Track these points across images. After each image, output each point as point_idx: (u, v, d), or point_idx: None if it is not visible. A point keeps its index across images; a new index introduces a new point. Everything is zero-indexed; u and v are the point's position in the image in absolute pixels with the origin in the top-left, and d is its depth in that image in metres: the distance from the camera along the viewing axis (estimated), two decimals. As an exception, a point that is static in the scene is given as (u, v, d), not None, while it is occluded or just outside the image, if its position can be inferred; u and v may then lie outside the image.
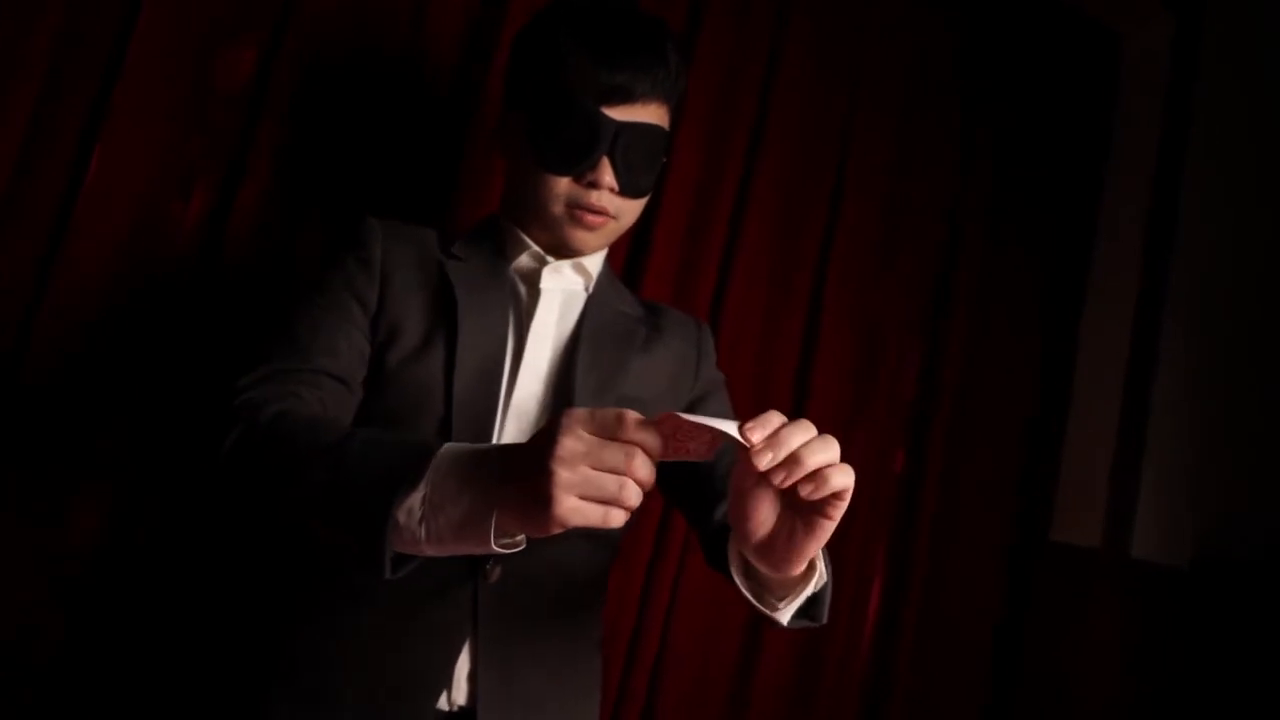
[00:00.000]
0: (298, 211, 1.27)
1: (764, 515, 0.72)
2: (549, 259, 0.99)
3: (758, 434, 0.65)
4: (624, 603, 1.49)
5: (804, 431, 0.66)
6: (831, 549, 0.82)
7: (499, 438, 0.91)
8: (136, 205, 1.18)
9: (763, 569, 0.76)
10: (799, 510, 0.70)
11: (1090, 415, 1.98)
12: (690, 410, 1.06)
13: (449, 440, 0.87)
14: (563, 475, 0.62)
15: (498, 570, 0.88)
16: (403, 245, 0.97)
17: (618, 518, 0.64)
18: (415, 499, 0.66)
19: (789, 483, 0.66)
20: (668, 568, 1.53)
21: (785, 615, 0.82)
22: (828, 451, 0.66)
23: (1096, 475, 1.92)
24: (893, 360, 1.82)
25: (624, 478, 0.63)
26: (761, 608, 0.82)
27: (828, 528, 0.70)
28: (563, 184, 0.93)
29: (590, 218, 0.94)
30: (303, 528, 0.75)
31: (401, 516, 0.66)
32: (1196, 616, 1.89)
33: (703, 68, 1.59)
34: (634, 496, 0.64)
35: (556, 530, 0.63)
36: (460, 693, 0.88)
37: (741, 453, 0.66)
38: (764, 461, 0.64)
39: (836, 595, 1.68)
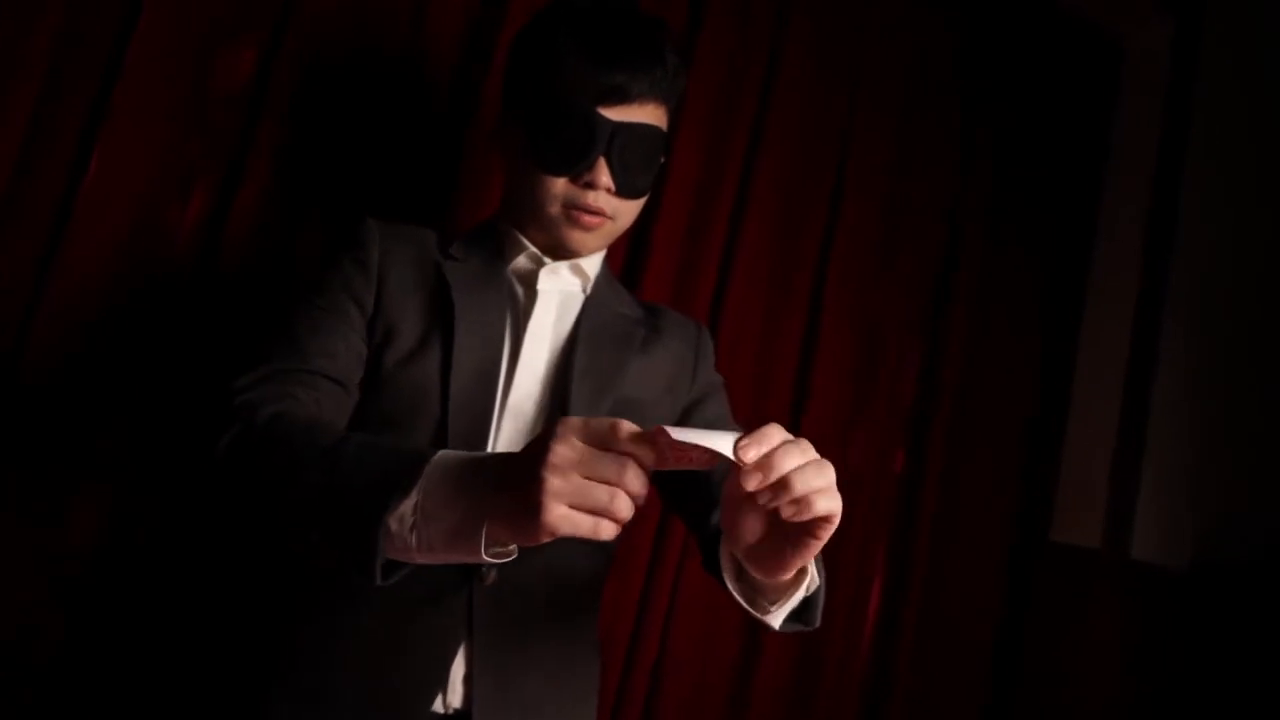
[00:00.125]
0: (298, 211, 1.27)
1: (753, 525, 0.72)
2: (546, 260, 0.99)
3: (752, 452, 0.64)
4: (622, 607, 1.49)
5: (799, 454, 0.65)
6: (831, 549, 0.81)
7: (495, 439, 0.91)
8: (136, 205, 1.18)
9: (754, 573, 0.76)
10: (787, 527, 0.70)
11: (1090, 415, 1.98)
12: (688, 412, 1.07)
13: (445, 441, 0.88)
14: (554, 483, 0.61)
15: (493, 574, 0.88)
16: (400, 246, 0.97)
17: (608, 530, 0.63)
18: (407, 506, 0.66)
19: (774, 505, 0.66)
20: (666, 572, 1.52)
21: (776, 619, 0.82)
22: (820, 478, 0.66)
23: (1096, 475, 1.92)
24: (893, 360, 1.82)
25: (615, 489, 0.62)
26: (753, 611, 0.82)
27: (815, 546, 0.69)
28: (559, 184, 0.93)
29: (587, 218, 0.94)
30: (293, 532, 0.74)
31: (393, 524, 0.66)
32: (1196, 617, 1.89)
33: (703, 68, 1.59)
34: (625, 508, 0.63)
35: (546, 539, 0.63)
36: (456, 696, 0.88)
37: (734, 464, 0.66)
38: (752, 483, 0.64)
39: (836, 595, 1.69)
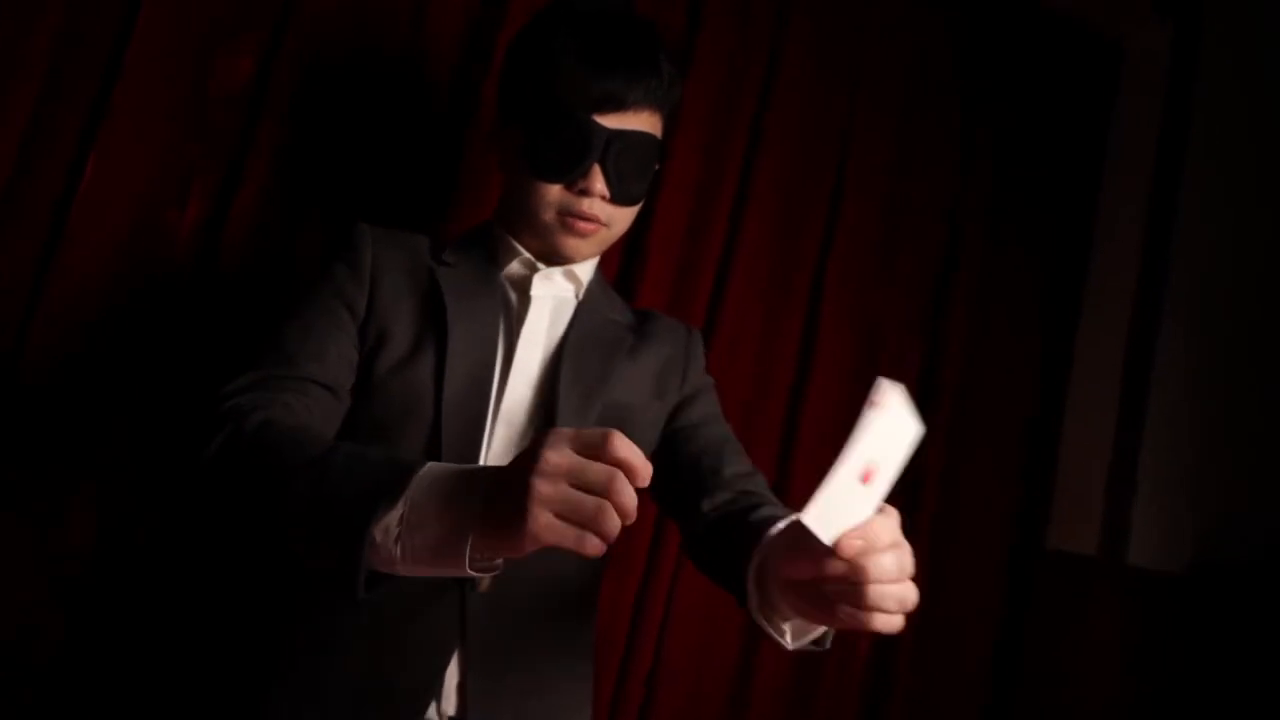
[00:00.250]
0: (297, 212, 1.27)
1: (812, 588, 0.71)
2: (540, 266, 0.99)
3: (853, 550, 0.65)
4: (617, 614, 1.48)
5: (895, 568, 0.66)
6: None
7: (488, 445, 0.91)
8: (136, 205, 1.18)
9: (786, 609, 0.75)
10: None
11: (1088, 416, 1.98)
12: (677, 412, 1.06)
13: (438, 446, 0.87)
14: (542, 489, 0.61)
15: (486, 580, 0.88)
16: (393, 251, 0.97)
17: (593, 545, 0.62)
18: (393, 517, 0.66)
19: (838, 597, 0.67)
20: (662, 579, 1.52)
21: (793, 644, 0.80)
22: (892, 600, 0.66)
23: (1093, 478, 1.92)
24: (893, 360, 1.82)
25: (603, 500, 0.61)
26: (768, 628, 0.80)
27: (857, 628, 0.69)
28: (554, 191, 0.93)
29: (582, 225, 0.94)
30: (279, 540, 0.74)
31: (378, 534, 0.65)
32: (1196, 618, 1.89)
33: (702, 68, 1.59)
34: (612, 523, 0.62)
35: (530, 547, 0.62)
36: (449, 703, 0.88)
37: (819, 544, 0.65)
38: (835, 570, 0.65)
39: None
